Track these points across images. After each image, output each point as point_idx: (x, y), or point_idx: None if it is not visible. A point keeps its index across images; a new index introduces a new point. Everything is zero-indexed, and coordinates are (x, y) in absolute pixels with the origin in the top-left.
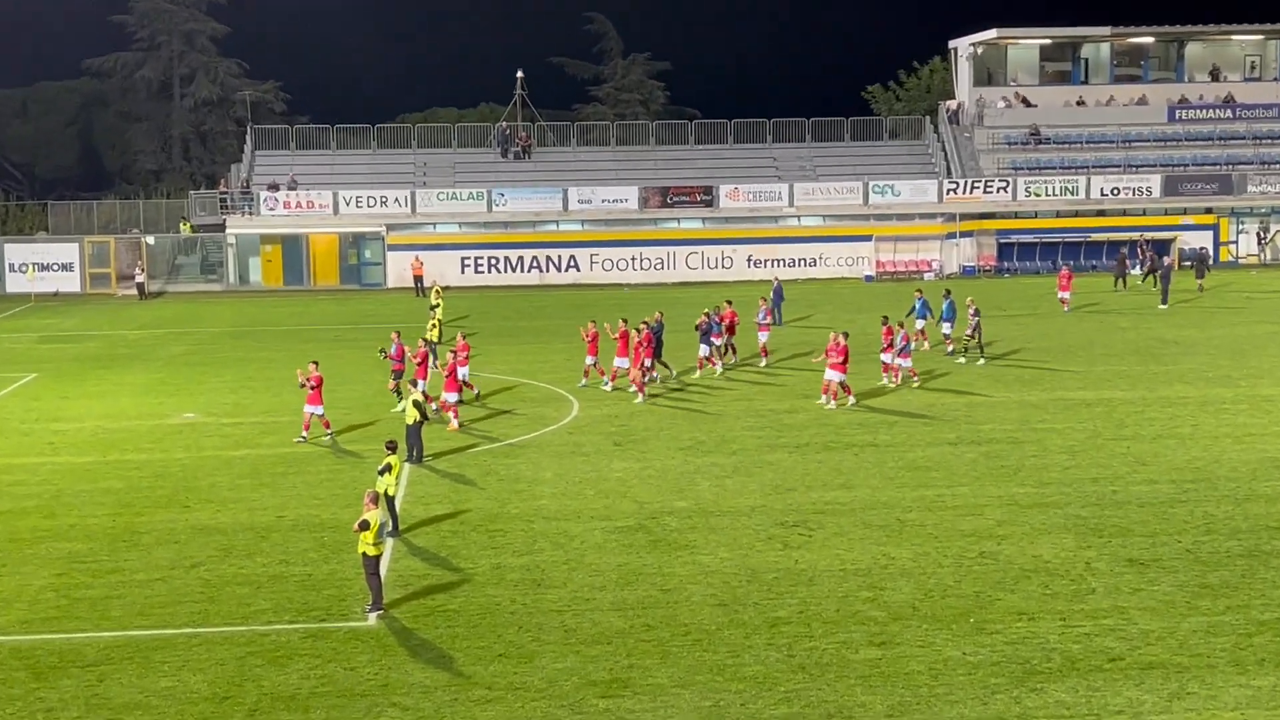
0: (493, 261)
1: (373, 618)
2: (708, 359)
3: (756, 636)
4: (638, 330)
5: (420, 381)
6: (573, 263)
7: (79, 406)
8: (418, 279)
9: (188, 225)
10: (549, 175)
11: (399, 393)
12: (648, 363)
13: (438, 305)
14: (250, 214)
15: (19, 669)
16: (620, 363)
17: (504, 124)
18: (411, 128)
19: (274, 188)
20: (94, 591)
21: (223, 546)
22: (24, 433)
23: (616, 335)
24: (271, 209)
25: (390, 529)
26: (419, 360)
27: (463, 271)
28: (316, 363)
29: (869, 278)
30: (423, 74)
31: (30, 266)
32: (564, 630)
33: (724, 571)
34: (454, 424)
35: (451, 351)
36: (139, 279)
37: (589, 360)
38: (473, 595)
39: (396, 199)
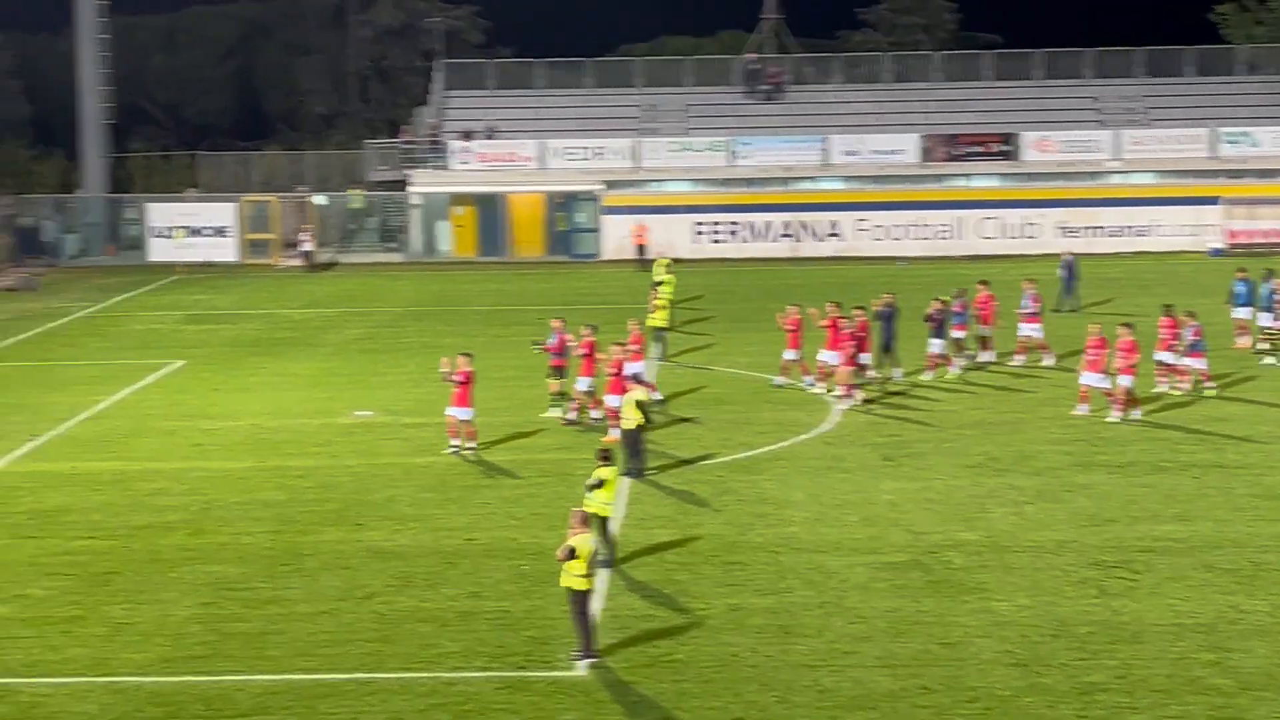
0: (733, 228)
1: (582, 666)
2: (942, 357)
3: (1064, 706)
4: (849, 318)
5: (583, 379)
6: (834, 230)
7: (233, 401)
8: (640, 249)
9: (359, 195)
10: (805, 120)
11: (563, 395)
12: (863, 359)
13: (664, 282)
14: (439, 169)
15: (159, 718)
16: (827, 357)
17: (750, 56)
18: (636, 62)
19: (467, 136)
20: (248, 625)
21: (401, 574)
22: (168, 431)
23: (824, 323)
24: (464, 163)
25: (604, 558)
26: (583, 353)
27: (695, 240)
28: (470, 355)
29: (1216, 251)
30: None
31: (177, 231)
32: (817, 690)
33: (1022, 623)
34: (614, 434)
35: (619, 343)
36: (306, 247)
37: (789, 354)
38: (705, 643)
39: (616, 150)
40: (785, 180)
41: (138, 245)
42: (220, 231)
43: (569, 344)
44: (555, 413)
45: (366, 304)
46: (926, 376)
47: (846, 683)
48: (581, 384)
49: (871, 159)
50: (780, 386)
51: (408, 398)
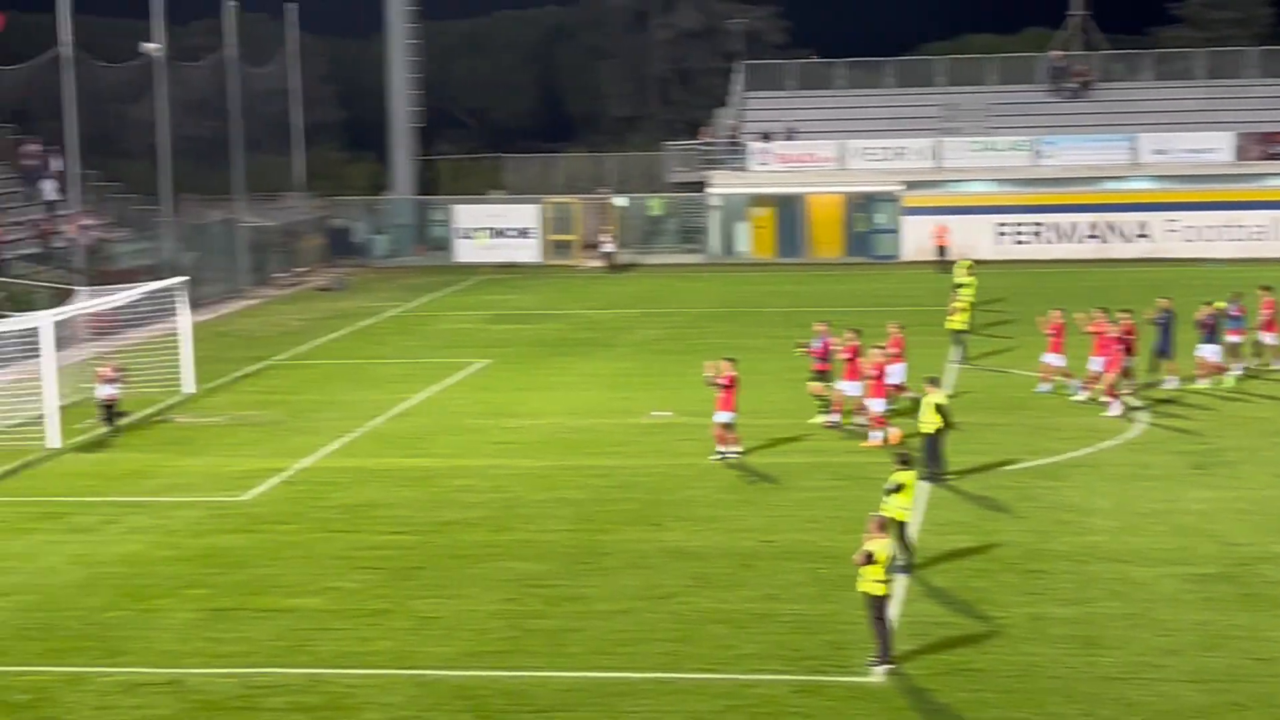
0: (1037, 228)
1: (879, 672)
2: (1217, 365)
3: None
4: (1116, 322)
5: (847, 384)
6: (1142, 231)
7: (535, 399)
8: (941, 250)
9: (658, 204)
10: (1113, 118)
11: (824, 400)
12: (1127, 363)
13: (965, 284)
14: (738, 170)
15: (462, 711)
16: (1096, 364)
17: (1056, 53)
18: (937, 61)
19: (767, 138)
20: (549, 622)
21: (699, 575)
22: (473, 429)
23: (1091, 328)
24: (763, 163)
25: (902, 563)
26: (847, 357)
27: (998, 241)
28: (733, 360)
29: None
30: None
31: (482, 232)
32: (1124, 704)
33: None
34: (874, 438)
35: (878, 347)
36: (607, 248)
37: (1052, 359)
38: (1005, 652)
39: (917, 150)
40: (1092, 180)
41: (445, 246)
42: (524, 233)
43: (833, 347)
44: (820, 418)
45: (665, 305)
46: (1202, 384)
47: (1154, 697)
48: (846, 388)
49: (1183, 158)
50: (1045, 392)
51: (705, 398)
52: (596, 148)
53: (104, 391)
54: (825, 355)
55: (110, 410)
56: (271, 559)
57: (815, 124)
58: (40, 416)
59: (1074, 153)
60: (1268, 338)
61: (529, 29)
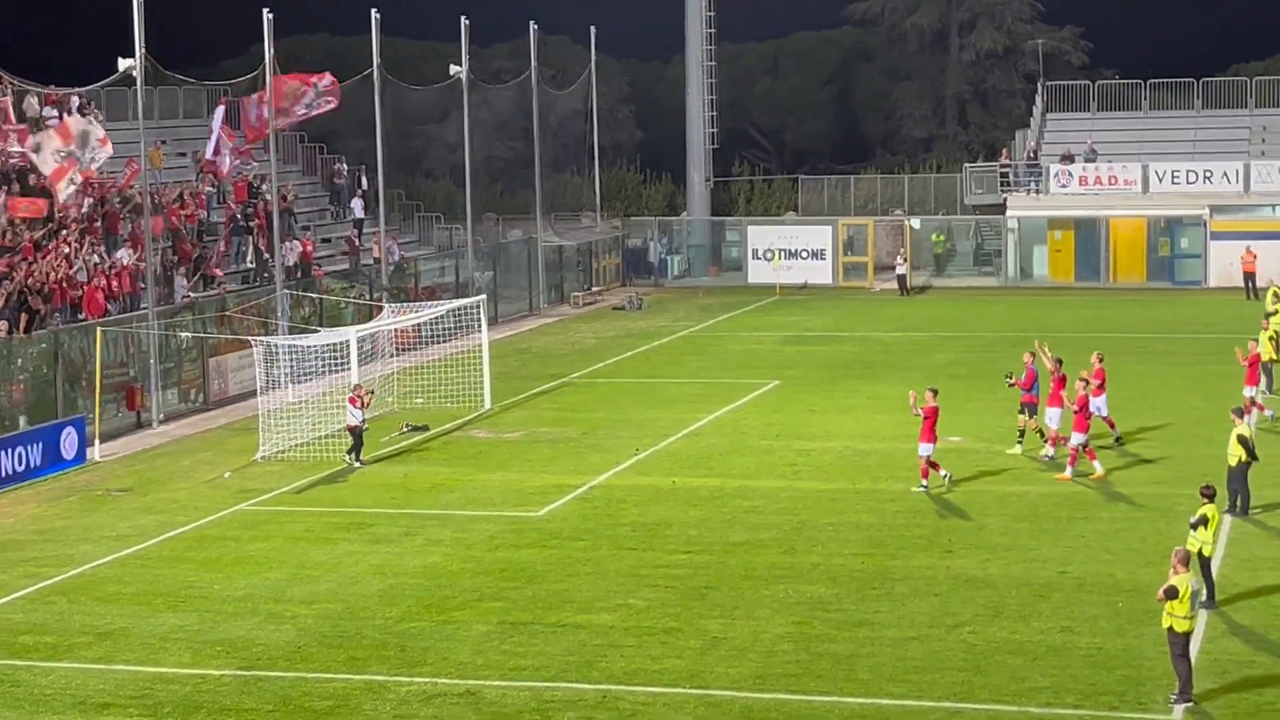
0: None
1: (1178, 710)
2: None
3: None
4: None
5: (1053, 411)
6: None
7: (826, 422)
8: (1249, 276)
9: (939, 239)
10: None
11: (1039, 433)
12: None
13: (1275, 312)
14: (1037, 192)
15: None
16: None
17: None
18: (1247, 81)
19: (1068, 159)
20: (838, 646)
21: (992, 604)
22: (763, 450)
23: (1246, 360)
24: (1063, 186)
25: (1205, 599)
26: (1057, 376)
27: None
28: (935, 390)
29: None
30: (1266, 11)
31: (776, 253)
32: None
33: None
34: (1098, 469)
35: (1082, 379)
36: (900, 270)
37: (1249, 392)
38: None
39: (1224, 173)
40: None
41: (738, 267)
42: (817, 254)
43: (1039, 378)
44: (1017, 449)
45: (958, 328)
46: None
47: None
48: (1049, 417)
49: None
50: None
51: (999, 425)
52: (892, 169)
53: (354, 418)
54: (1032, 386)
55: (357, 436)
56: (565, 575)
57: (1117, 146)
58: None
59: None
60: None
61: (828, 50)
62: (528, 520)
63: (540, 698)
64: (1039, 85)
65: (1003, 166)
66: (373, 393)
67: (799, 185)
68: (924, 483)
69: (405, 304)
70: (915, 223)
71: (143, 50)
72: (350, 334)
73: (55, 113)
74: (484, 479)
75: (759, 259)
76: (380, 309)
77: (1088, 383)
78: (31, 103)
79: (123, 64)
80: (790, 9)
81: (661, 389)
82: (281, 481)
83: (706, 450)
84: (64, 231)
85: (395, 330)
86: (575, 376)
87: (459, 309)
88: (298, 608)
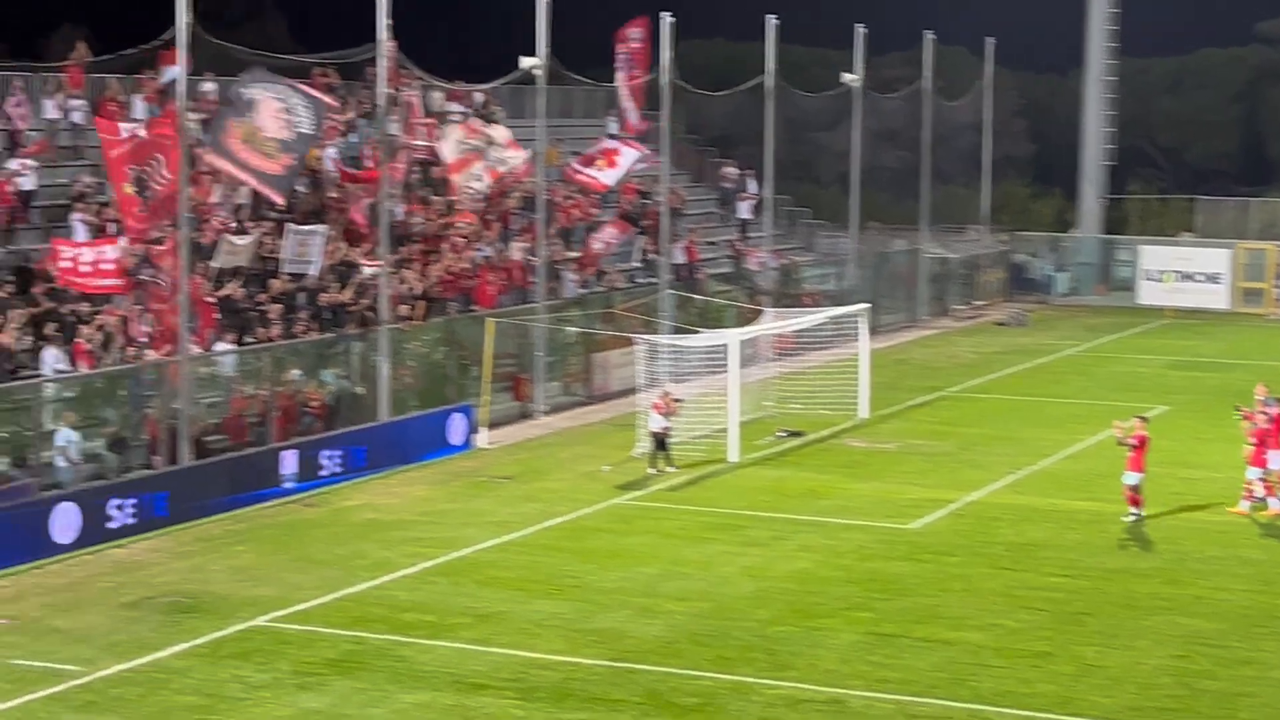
0: None
1: None
2: None
3: None
4: None
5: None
6: None
7: (1214, 451)
8: None
9: None
10: None
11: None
12: None
13: None
14: None
15: None
16: None
17: None
18: None
19: None
20: (1218, 683)
21: None
22: (1147, 477)
23: None
24: None
25: None
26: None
27: None
28: (1145, 418)
29: None
30: None
31: (1169, 275)
32: None
33: None
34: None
35: (1263, 412)
36: None
37: None
38: None
39: None
40: None
41: (1128, 287)
42: (1213, 278)
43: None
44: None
45: None
46: None
47: None
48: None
49: None
50: None
51: None
52: None
53: (657, 423)
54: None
55: (661, 442)
56: (935, 589)
57: None
58: (723, 430)
59: None
60: None
61: (1235, 68)
62: (900, 532)
63: (906, 711)
64: None
65: None
66: (680, 400)
67: (1195, 206)
68: (1133, 510)
69: (786, 309)
70: None
71: (547, 49)
72: (732, 337)
73: (459, 108)
74: (857, 488)
75: (1151, 280)
76: (761, 313)
77: (1256, 416)
78: (436, 98)
79: (524, 62)
80: (1197, 25)
81: (1042, 408)
82: (658, 478)
83: (1087, 473)
84: (464, 224)
85: (775, 335)
86: (954, 390)
87: (841, 317)
88: (669, 603)
